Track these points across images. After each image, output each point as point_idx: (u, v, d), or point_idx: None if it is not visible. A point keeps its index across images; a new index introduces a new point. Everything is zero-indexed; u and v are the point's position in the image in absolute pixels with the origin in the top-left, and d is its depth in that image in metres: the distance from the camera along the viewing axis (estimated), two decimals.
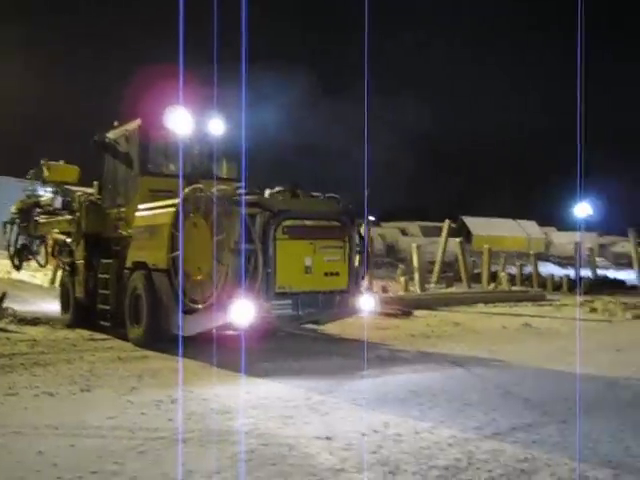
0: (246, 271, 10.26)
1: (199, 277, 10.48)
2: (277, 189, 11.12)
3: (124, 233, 13.12)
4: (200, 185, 10.84)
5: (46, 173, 18.12)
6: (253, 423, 6.55)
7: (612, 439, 6.30)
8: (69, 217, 15.26)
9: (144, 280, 11.98)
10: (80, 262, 14.38)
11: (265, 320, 10.45)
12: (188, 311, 11.01)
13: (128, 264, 12.68)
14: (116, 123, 13.72)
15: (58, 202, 16.17)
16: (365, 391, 8.19)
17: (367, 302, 11.27)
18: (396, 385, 8.66)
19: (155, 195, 12.65)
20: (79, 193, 15.35)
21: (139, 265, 12.34)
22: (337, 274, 11.02)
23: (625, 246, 56.55)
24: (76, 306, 14.59)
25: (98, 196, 14.34)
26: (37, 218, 17.05)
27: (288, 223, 10.58)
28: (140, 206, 12.57)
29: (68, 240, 15.08)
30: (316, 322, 11.85)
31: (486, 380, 9.06)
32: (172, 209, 11.30)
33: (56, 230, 15.93)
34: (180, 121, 12.78)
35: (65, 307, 15.13)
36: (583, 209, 47.33)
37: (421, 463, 5.47)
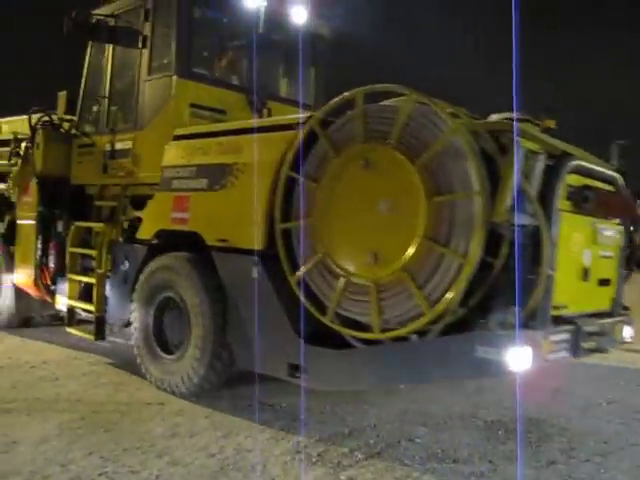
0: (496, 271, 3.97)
1: (379, 275, 3.99)
2: (499, 116, 4.73)
3: (132, 179, 6.16)
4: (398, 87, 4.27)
5: None
6: (83, 390, 5.59)
7: None
8: (1, 149, 7.94)
9: (190, 270, 5.26)
10: (27, 224, 7.16)
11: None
12: (321, 339, 4.51)
13: (144, 234, 5.78)
14: None
15: None
16: None
17: (628, 329, 5.26)
18: None
19: (197, 114, 5.84)
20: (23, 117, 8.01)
21: (175, 239, 5.50)
22: (608, 282, 4.91)
23: None
24: (17, 298, 7.37)
25: (68, 117, 7.12)
26: None
27: (574, 181, 4.33)
28: (179, 131, 5.69)
29: (2, 187, 7.74)
30: None
31: None
32: (290, 132, 4.66)
33: None
34: None
35: None
36: None
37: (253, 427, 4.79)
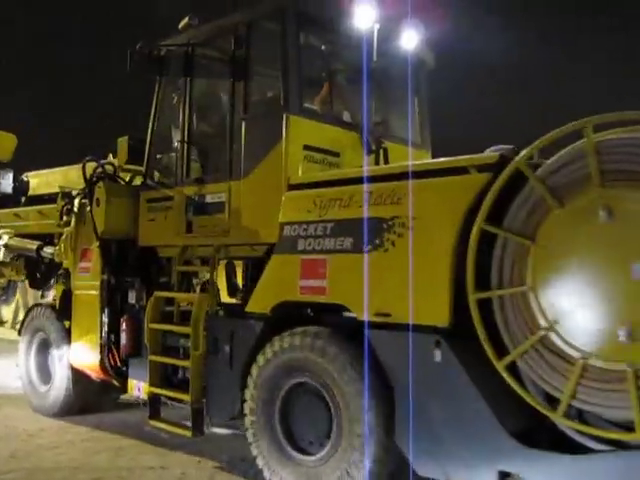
0: None
1: (638, 356, 3.01)
2: None
3: (228, 239, 5.09)
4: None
5: None
6: (83, 457, 5.47)
7: None
8: (48, 206, 6.81)
9: (338, 351, 4.39)
10: (88, 294, 6.01)
11: None
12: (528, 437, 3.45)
13: (258, 307, 4.67)
14: (195, 20, 5.64)
15: (6, 184, 7.49)
16: None
17: None
18: None
19: (310, 158, 5.08)
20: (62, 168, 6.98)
21: (302, 312, 4.50)
22: None
23: None
24: (75, 381, 6.21)
25: (131, 167, 6.03)
26: None
27: None
28: (297, 179, 4.66)
29: (47, 251, 6.58)
30: None
31: None
32: (477, 176, 3.63)
33: (5, 231, 7.25)
34: (364, 17, 5.13)
35: (43, 378, 6.67)
36: None
37: None
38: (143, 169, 6.08)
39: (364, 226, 4.31)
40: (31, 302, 7.70)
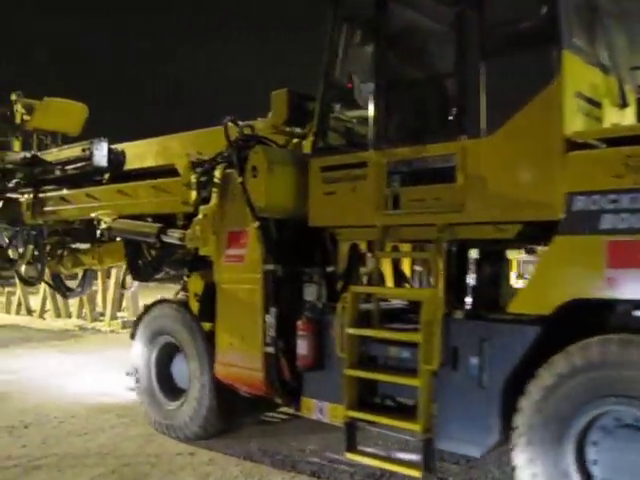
0: None
1: None
2: None
3: (463, 216, 3.83)
4: None
5: (21, 116, 7.90)
6: (113, 443, 5.51)
7: None
8: (170, 179, 5.55)
9: None
10: (242, 289, 4.74)
11: None
12: None
13: (533, 307, 3.60)
14: None
15: (100, 155, 6.21)
16: None
17: None
18: None
19: (580, 108, 3.80)
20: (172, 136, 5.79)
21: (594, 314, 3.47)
22: None
23: None
24: (218, 396, 4.91)
25: (296, 130, 4.78)
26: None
27: None
28: (592, 133, 3.47)
29: (173, 235, 5.31)
30: None
31: None
32: None
33: (105, 212, 5.97)
34: None
35: (168, 392, 5.37)
36: None
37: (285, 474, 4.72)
38: (313, 129, 4.82)
39: None
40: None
